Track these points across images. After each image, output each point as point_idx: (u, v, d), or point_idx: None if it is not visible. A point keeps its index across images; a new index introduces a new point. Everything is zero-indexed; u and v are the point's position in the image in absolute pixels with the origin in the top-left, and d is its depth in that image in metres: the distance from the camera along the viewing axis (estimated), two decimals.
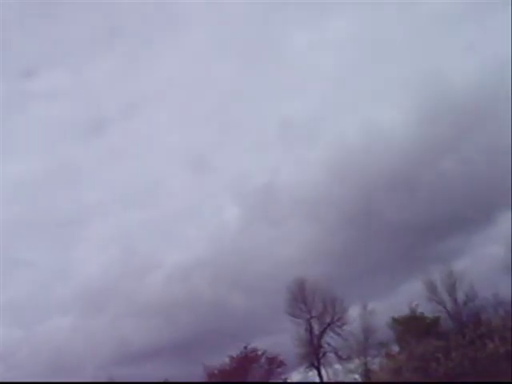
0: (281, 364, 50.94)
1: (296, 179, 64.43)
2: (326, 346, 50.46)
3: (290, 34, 69.42)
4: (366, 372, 48.41)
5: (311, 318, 50.59)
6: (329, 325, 50.38)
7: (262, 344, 51.06)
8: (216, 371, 49.83)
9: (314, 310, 50.64)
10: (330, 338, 50.63)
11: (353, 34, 68.42)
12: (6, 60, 69.16)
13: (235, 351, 51.16)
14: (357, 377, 49.22)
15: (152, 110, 75.38)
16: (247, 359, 50.90)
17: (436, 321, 46.66)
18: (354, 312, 49.97)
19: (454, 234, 55.76)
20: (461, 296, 45.16)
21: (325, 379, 49.75)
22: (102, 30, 74.33)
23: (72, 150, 71.44)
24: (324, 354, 50.30)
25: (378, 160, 60.81)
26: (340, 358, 49.83)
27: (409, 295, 49.48)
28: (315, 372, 50.00)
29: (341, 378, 49.22)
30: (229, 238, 65.01)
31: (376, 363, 48.89)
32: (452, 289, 45.62)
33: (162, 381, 50.62)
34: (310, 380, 50.90)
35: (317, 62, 69.45)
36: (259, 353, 51.16)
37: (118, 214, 68.94)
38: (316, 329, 50.57)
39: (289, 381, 52.07)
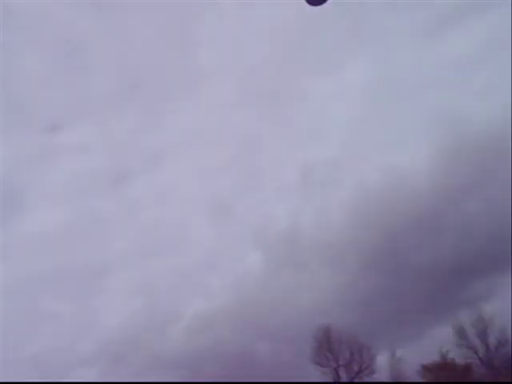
0: None
1: (318, 224, 64.16)
2: None
3: (309, 82, 70.45)
4: None
5: (338, 366, 49.51)
6: (357, 374, 49.12)
7: None
8: None
9: (341, 358, 49.59)
10: None
11: (370, 79, 69.29)
12: (34, 115, 71.52)
13: None
14: None
15: (174, 160, 76.33)
16: None
17: (468, 368, 45.28)
18: (382, 360, 48.84)
19: (481, 275, 54.64)
20: (492, 341, 43.93)
21: None
22: (124, 83, 76.34)
23: (96, 202, 72.36)
24: None
25: (400, 202, 60.49)
26: None
27: (438, 340, 48.31)
28: None
29: None
30: (252, 285, 64.50)
31: None
32: (483, 334, 44.48)
33: None
34: None
35: (336, 108, 70.33)
36: None
37: (141, 264, 68.93)
38: (344, 378, 49.38)
39: None
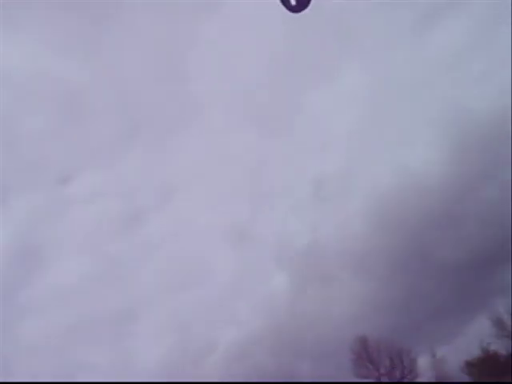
0: None
1: (338, 235, 63.92)
2: None
3: (307, 95, 70.82)
4: None
5: (380, 375, 48.86)
6: (400, 379, 48.43)
7: None
8: None
9: (381, 366, 48.97)
10: None
11: (368, 83, 69.41)
12: (44, 171, 72.54)
13: None
14: None
15: (185, 193, 76.75)
16: None
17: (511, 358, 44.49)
18: (424, 362, 48.13)
19: (509, 261, 53.89)
20: None
21: None
22: (125, 125, 77.26)
23: (115, 245, 72.78)
24: None
25: (416, 201, 60.15)
26: None
27: (478, 335, 47.61)
28: None
29: None
30: (282, 305, 64.11)
31: None
32: None
33: None
34: None
35: (338, 117, 70.48)
36: None
37: (169, 301, 68.98)
38: None
39: None
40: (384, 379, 48.48)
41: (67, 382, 52.30)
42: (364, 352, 48.63)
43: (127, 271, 72.09)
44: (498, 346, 45.45)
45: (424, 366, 48.02)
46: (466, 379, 46.56)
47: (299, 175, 72.06)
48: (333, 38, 69.02)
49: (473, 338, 47.95)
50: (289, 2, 12.12)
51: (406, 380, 47.80)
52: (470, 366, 46.57)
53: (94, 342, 64.66)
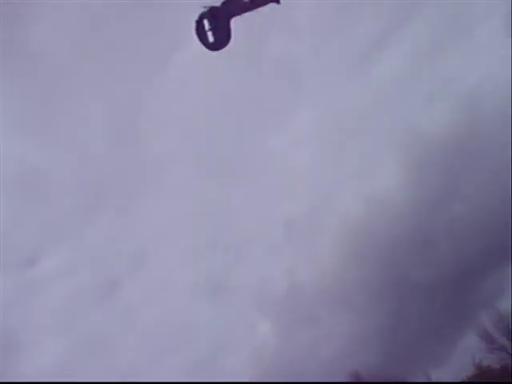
0: None
1: (315, 272, 63.60)
2: None
3: (266, 140, 71.81)
4: None
5: None
6: None
7: None
8: None
9: None
10: None
11: (323, 119, 70.90)
12: (9, 254, 70.67)
13: None
14: None
15: (158, 253, 75.62)
16: None
17: (505, 369, 44.13)
18: None
19: (487, 274, 54.38)
20: None
21: None
22: (89, 195, 76.31)
23: (92, 319, 70.78)
24: None
25: (386, 228, 60.56)
26: None
27: (468, 351, 47.34)
28: None
29: None
30: (270, 353, 62.86)
31: None
32: (507, 331, 43.71)
33: None
34: None
35: (299, 156, 71.39)
36: None
37: (155, 368, 66.88)
38: None
39: None
40: None
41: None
42: None
43: (108, 343, 70.04)
44: (491, 361, 45.16)
45: None
46: None
47: (269, 219, 72.08)
48: (281, 80, 70.72)
49: (464, 355, 47.71)
50: (207, 40, 12.18)
51: None
52: None
53: None
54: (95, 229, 73.28)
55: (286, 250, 71.86)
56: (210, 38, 12.24)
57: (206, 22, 12.34)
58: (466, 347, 48.55)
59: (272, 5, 14.23)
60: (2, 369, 59.47)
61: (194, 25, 12.31)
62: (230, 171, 72.55)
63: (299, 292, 64.21)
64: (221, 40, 12.24)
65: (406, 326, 54.61)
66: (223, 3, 12.34)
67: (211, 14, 12.31)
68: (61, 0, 58.70)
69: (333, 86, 70.72)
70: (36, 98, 69.13)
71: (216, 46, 12.25)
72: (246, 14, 13.31)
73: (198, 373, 65.61)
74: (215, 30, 12.27)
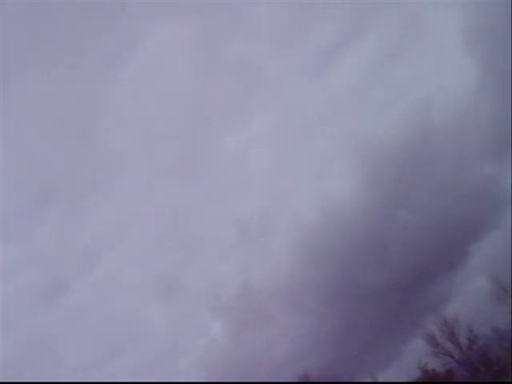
0: None
1: (268, 273, 63.84)
2: None
3: (223, 141, 71.56)
4: None
5: None
6: None
7: None
8: None
9: None
10: None
11: (279, 123, 71.32)
12: None
13: None
14: None
15: (110, 252, 74.47)
16: None
17: (449, 373, 45.43)
18: None
19: (435, 280, 55.78)
20: (463, 341, 44.35)
21: None
22: (38, 192, 74.27)
23: (39, 318, 68.95)
24: None
25: (338, 231, 61.33)
26: None
27: (415, 355, 48.45)
28: None
29: None
30: (222, 353, 62.76)
31: None
32: (452, 336, 44.86)
33: None
34: None
35: (255, 158, 71.41)
36: None
37: (102, 368, 65.77)
38: None
39: None
40: None
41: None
42: None
43: (57, 343, 68.43)
44: (436, 364, 46.29)
45: None
46: None
47: (223, 220, 71.97)
48: (240, 81, 70.86)
49: (411, 358, 48.81)
50: None
51: None
52: None
53: None
54: (43, 225, 71.60)
55: (239, 251, 71.96)
56: None
57: None
58: (412, 351, 49.77)
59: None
60: None
61: None
62: (185, 170, 72.31)
63: (252, 293, 64.41)
64: None
65: (356, 329, 55.58)
66: None
67: None
68: None
69: (291, 89, 71.49)
70: None
71: None
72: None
73: (147, 373, 65.05)
74: None
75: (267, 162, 70.54)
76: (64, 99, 69.65)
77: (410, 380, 48.15)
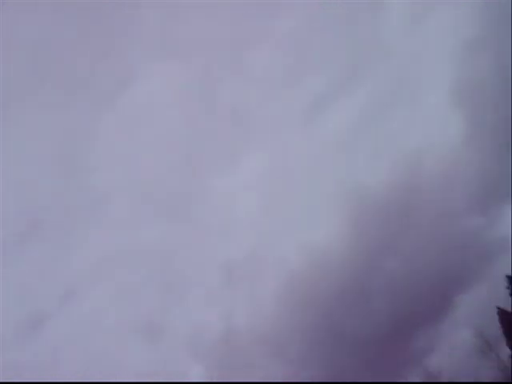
0: None
1: (252, 319, 63.09)
2: None
3: (211, 182, 71.70)
4: None
5: None
6: None
7: None
8: None
9: None
10: None
11: (268, 166, 71.72)
12: None
13: None
14: None
15: (92, 289, 73.36)
16: None
17: None
18: None
19: (419, 331, 55.40)
20: None
21: None
22: (20, 224, 73.61)
23: (14, 356, 67.12)
24: None
25: (324, 278, 61.09)
26: None
27: None
28: None
29: None
30: None
31: None
32: None
33: None
34: None
35: (242, 201, 71.53)
36: None
37: None
38: None
39: None
40: None
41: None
42: None
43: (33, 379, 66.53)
44: None
45: None
46: None
47: (209, 262, 71.43)
48: (230, 125, 71.59)
49: None
50: None
51: None
52: None
53: None
54: (25, 259, 70.56)
55: (224, 294, 71.19)
56: None
57: None
58: None
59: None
60: None
61: None
62: (173, 210, 72.01)
63: (235, 338, 63.50)
64: None
65: (339, 379, 54.60)
66: None
67: None
68: None
69: (281, 135, 72.35)
70: None
71: None
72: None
73: None
74: None
75: (255, 207, 70.66)
76: (52, 135, 69.93)
77: None
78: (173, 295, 71.80)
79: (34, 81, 67.99)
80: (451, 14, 64.32)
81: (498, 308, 44.58)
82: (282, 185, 71.22)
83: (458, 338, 50.91)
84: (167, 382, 51.10)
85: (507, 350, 43.21)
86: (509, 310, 44.43)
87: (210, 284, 69.88)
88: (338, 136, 70.66)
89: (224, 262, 69.37)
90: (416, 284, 55.00)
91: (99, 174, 73.84)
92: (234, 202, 73.39)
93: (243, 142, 71.94)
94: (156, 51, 70.21)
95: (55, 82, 68.28)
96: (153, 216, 72.19)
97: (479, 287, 53.98)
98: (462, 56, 63.98)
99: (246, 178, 73.14)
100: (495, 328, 44.56)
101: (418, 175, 64.02)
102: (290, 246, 66.47)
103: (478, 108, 63.36)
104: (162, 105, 70.94)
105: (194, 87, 69.97)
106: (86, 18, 67.12)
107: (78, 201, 72.97)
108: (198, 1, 70.10)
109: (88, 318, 70.10)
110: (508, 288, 45.63)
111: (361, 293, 59.05)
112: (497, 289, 47.38)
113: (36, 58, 67.44)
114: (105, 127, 69.72)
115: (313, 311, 59.71)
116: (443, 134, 64.38)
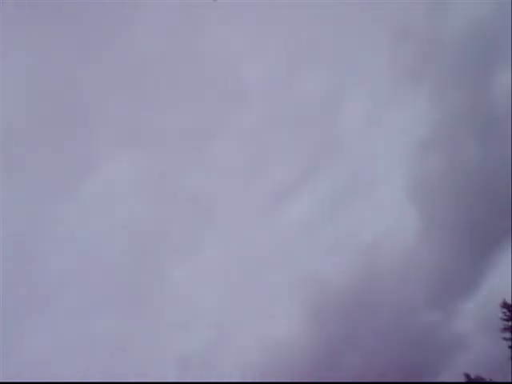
0: None
1: None
2: None
3: (169, 272, 70.63)
4: None
5: None
6: None
7: None
8: None
9: None
10: None
11: (228, 257, 71.50)
12: None
13: None
14: None
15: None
16: None
17: None
18: None
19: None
20: None
21: None
22: None
23: None
24: None
25: (283, 369, 59.93)
26: None
27: None
28: None
29: None
30: None
31: None
32: None
33: None
34: None
35: (201, 292, 70.54)
36: None
37: None
38: None
39: None
40: None
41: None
42: None
43: None
44: None
45: None
46: None
47: (164, 353, 69.19)
48: (191, 214, 71.75)
49: None
50: None
51: None
52: None
53: None
54: None
55: None
56: None
57: None
58: None
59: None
60: None
61: None
62: (129, 300, 70.19)
63: None
64: None
65: None
66: None
67: None
68: None
69: (242, 224, 72.79)
70: None
71: None
72: None
73: None
74: None
75: (215, 297, 69.76)
76: (8, 220, 68.56)
77: None
78: None
79: None
80: (405, 116, 68.28)
81: None
82: (243, 275, 71.03)
83: None
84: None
85: None
86: None
87: (164, 378, 67.36)
88: (299, 227, 71.87)
89: (179, 352, 67.48)
90: (374, 375, 54.61)
91: (53, 259, 72.13)
92: (193, 292, 72.38)
93: (204, 231, 72.14)
94: (119, 139, 71.21)
95: (17, 165, 67.90)
96: (107, 306, 70.17)
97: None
98: (414, 154, 67.44)
99: (205, 267, 72.65)
100: None
101: (376, 268, 65.19)
102: (248, 339, 65.51)
103: (430, 203, 66.10)
104: (122, 193, 71.10)
105: (156, 176, 70.77)
106: (51, 102, 68.06)
107: (30, 288, 70.65)
108: (161, 92, 72.35)
109: None
110: None
111: None
112: None
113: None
114: (64, 213, 68.93)
115: None
116: (399, 229, 66.42)
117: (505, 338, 45.17)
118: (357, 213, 70.80)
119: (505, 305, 45.64)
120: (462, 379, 47.24)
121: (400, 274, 63.93)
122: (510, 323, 45.09)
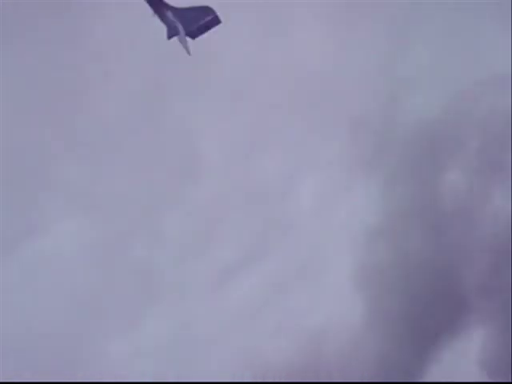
0: None
1: None
2: None
3: (106, 346, 67.21)
4: None
5: None
6: None
7: None
8: None
9: None
10: None
11: (172, 333, 68.69)
12: None
13: None
14: None
15: None
16: None
17: None
18: None
19: None
20: None
21: None
22: None
23: None
24: None
25: None
26: None
27: None
28: None
29: None
30: None
31: None
32: None
33: None
34: None
35: (139, 368, 66.61)
36: None
37: None
38: None
39: None
40: None
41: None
42: None
43: None
44: None
45: None
46: None
47: None
48: (136, 287, 69.39)
49: None
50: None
51: None
52: None
53: None
54: None
55: None
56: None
57: None
58: None
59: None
60: None
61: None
62: (61, 376, 65.76)
63: None
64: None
65: None
66: None
67: None
68: None
69: (187, 300, 70.91)
70: None
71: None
72: None
73: None
74: None
75: (151, 374, 66.57)
76: None
77: None
78: None
79: None
80: (357, 204, 70.36)
81: None
82: (183, 352, 68.84)
83: None
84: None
85: None
86: None
87: None
88: (243, 308, 70.76)
89: None
90: None
91: None
92: (129, 369, 68.90)
93: (147, 305, 69.62)
94: (68, 204, 69.08)
95: None
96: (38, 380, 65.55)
97: None
98: (363, 243, 68.96)
99: (144, 343, 69.76)
100: None
101: (319, 355, 65.11)
102: None
103: (377, 292, 67.35)
104: (66, 259, 68.31)
105: (104, 245, 68.54)
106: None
107: None
108: (116, 158, 71.47)
109: None
110: None
111: None
112: None
113: None
114: (3, 277, 65.07)
115: None
116: (344, 317, 66.92)
117: None
118: (302, 297, 70.73)
119: None
120: None
121: (343, 363, 64.05)
122: None
